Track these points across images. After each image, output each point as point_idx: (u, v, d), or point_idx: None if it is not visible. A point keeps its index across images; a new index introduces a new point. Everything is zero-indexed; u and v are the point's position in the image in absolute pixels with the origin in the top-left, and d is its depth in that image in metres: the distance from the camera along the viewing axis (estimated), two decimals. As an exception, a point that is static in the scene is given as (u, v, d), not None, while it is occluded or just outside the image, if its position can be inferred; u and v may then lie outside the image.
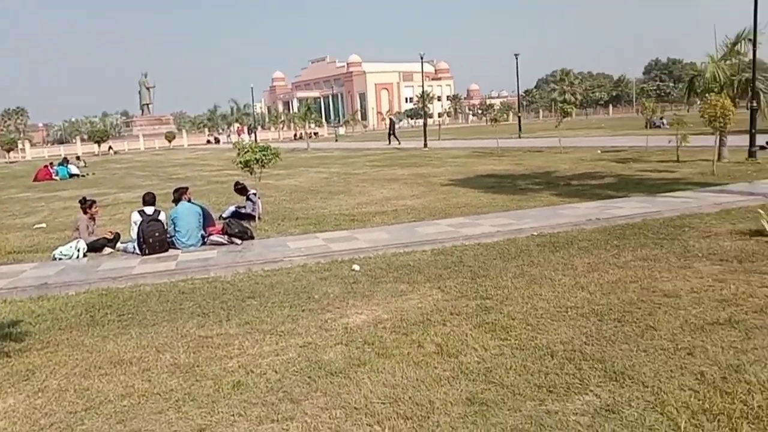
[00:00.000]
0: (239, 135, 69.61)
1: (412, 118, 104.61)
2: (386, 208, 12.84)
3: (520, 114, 52.05)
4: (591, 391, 4.02)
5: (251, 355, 5.06)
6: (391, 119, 47.94)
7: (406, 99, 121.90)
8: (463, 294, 6.37)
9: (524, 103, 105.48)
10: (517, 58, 48.00)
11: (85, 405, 4.33)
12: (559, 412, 3.76)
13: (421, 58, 40.83)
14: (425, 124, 39.54)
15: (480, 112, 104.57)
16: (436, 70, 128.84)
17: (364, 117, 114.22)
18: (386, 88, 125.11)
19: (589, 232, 9.08)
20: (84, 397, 4.47)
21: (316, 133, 72.52)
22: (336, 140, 58.61)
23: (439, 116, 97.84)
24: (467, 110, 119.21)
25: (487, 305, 5.93)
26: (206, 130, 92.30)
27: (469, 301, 6.13)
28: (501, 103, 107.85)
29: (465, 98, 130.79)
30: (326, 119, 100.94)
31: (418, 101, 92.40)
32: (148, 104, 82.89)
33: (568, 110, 29.87)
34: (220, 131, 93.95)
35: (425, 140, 36.25)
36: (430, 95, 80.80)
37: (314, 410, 4.02)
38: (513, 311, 5.69)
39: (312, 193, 16.21)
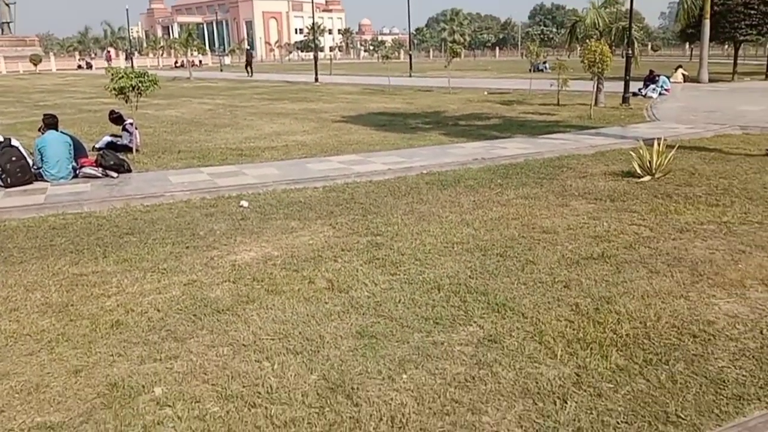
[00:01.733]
0: (109, 60, 64.75)
1: (302, 51, 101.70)
2: (276, 143, 12.50)
3: (411, 52, 51.91)
4: (475, 322, 4.18)
5: (131, 294, 4.81)
6: (248, 50, 50.07)
7: (296, 30, 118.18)
8: (355, 231, 6.37)
9: (415, 41, 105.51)
10: (409, -6, 47.46)
11: (-59, 350, 3.95)
12: (445, 343, 3.89)
13: (313, -12, 39.42)
14: (316, 58, 38.54)
15: (372, 48, 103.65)
16: (327, 2, 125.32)
17: (252, 47, 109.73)
18: (275, 18, 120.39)
19: (475, 171, 9.34)
20: (-61, 341, 4.07)
21: (200, 62, 68.85)
22: (221, 70, 56.01)
23: (330, 50, 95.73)
24: (359, 46, 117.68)
25: (377, 241, 5.97)
26: (77, 54, 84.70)
27: (360, 237, 6.14)
28: (393, 40, 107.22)
29: (357, 33, 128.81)
30: (210, 47, 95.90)
31: (308, 33, 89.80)
32: (8, 22, 74.48)
33: (458, 50, 30.07)
34: (93, 56, 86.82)
35: (316, 74, 35.46)
36: (321, 27, 78.77)
37: (200, 348, 3.90)
38: (402, 247, 5.78)
39: (195, 126, 15.45)
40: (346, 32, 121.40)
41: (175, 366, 3.68)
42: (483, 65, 60.44)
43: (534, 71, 30.59)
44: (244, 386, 3.45)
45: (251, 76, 42.06)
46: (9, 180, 8.50)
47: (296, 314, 4.37)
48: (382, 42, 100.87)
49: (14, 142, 8.87)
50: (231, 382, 3.49)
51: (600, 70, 15.83)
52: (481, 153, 10.78)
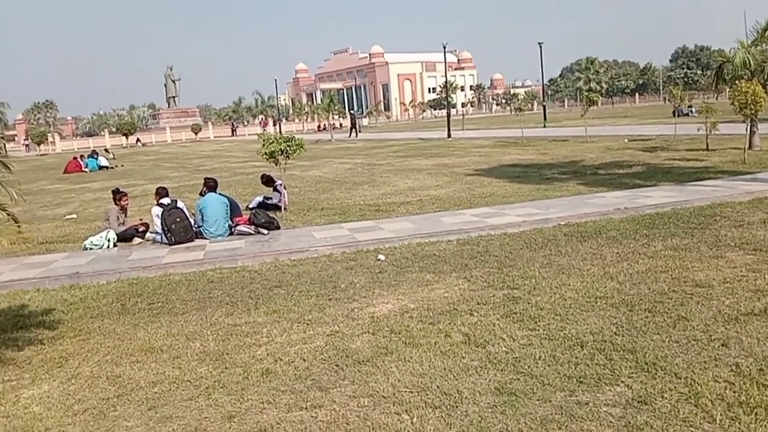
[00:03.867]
0: (264, 127, 70.08)
1: (435, 109, 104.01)
2: (411, 198, 12.81)
3: (544, 103, 51.39)
4: (622, 382, 3.96)
5: (279, 344, 5.10)
6: (352, 114, 53.44)
7: (429, 89, 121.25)
8: (490, 284, 6.33)
9: (549, 92, 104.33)
10: (541, 47, 47.31)
11: (117, 391, 4.41)
12: (590, 403, 3.72)
13: (444, 48, 40.57)
14: (448, 115, 39.37)
15: (504, 101, 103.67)
16: (459, 60, 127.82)
17: (387, 108, 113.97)
18: (409, 79, 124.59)
19: (618, 221, 8.95)
20: (116, 383, 4.55)
21: (340, 125, 72.54)
22: (360, 131, 58.57)
23: (462, 106, 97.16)
24: (491, 100, 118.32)
25: (514, 295, 5.89)
26: (232, 123, 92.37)
27: (495, 291, 6.09)
28: (525, 92, 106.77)
29: (489, 88, 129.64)
30: (349, 111, 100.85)
31: (441, 91, 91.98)
32: (174, 97, 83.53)
33: (594, 99, 29.32)
34: (245, 123, 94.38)
35: (449, 130, 36.07)
36: (454, 85, 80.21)
37: (342, 398, 4.03)
38: (541, 301, 5.64)
39: (336, 184, 16.23)
40: (478, 88, 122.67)
41: (319, 415, 3.83)
42: (622, 112, 58.32)
43: (678, 116, 29.01)
44: (384, 438, 3.50)
45: (356, 136, 44.90)
46: (173, 239, 9.42)
47: (433, 368, 4.39)
48: (515, 95, 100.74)
49: (180, 204, 9.87)
50: (372, 433, 3.56)
51: (753, 111, 14.71)
52: (624, 202, 10.33)
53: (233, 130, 75.63)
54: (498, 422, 3.57)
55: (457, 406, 3.80)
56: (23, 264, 8.89)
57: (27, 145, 62.42)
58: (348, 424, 3.70)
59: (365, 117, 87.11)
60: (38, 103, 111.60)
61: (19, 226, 4.86)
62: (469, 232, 8.93)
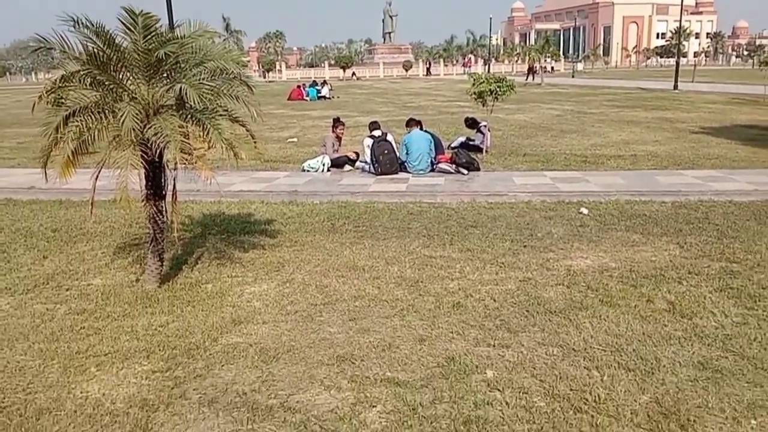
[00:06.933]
0: (467, 67, 69.24)
1: (661, 57, 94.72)
2: (623, 152, 12.00)
3: (799, 57, 44.19)
4: None
5: (471, 280, 5.21)
6: (531, 58, 50.96)
7: (658, 35, 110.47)
8: (705, 254, 5.80)
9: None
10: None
11: (324, 300, 4.86)
12: (812, 398, 3.32)
13: (683, -11, 36.32)
14: (677, 64, 35.55)
15: (746, 53, 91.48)
16: (696, 3, 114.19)
17: (606, 53, 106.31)
18: (635, 22, 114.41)
19: None
20: (323, 292, 5.01)
21: (552, 68, 69.43)
22: (573, 76, 55.58)
23: (695, 56, 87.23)
24: (730, 51, 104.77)
25: (733, 269, 5.35)
26: (441, 60, 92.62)
27: (711, 261, 5.57)
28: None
29: (729, 37, 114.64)
30: (564, 54, 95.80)
31: (671, 38, 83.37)
32: (390, 33, 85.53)
33: None
34: (454, 62, 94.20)
35: (676, 81, 32.73)
36: (687, 31, 72.07)
37: (531, 343, 4.04)
38: (764, 279, 5.06)
39: (542, 130, 15.70)
40: (716, 36, 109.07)
41: (506, 354, 3.89)
42: None
43: None
44: (571, 389, 3.47)
45: (533, 80, 44.71)
46: (380, 169, 9.91)
47: (631, 330, 4.20)
48: (761, 46, 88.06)
49: (389, 137, 10.31)
50: (558, 383, 3.54)
51: None
52: None
53: (428, 70, 75.05)
54: (697, 397, 3.35)
55: (653, 373, 3.62)
56: (252, 178, 9.99)
57: (263, 72, 68.43)
58: (534, 368, 3.72)
59: (580, 61, 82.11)
60: (269, 33, 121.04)
61: (255, 143, 5.43)
62: (687, 195, 8.20)
